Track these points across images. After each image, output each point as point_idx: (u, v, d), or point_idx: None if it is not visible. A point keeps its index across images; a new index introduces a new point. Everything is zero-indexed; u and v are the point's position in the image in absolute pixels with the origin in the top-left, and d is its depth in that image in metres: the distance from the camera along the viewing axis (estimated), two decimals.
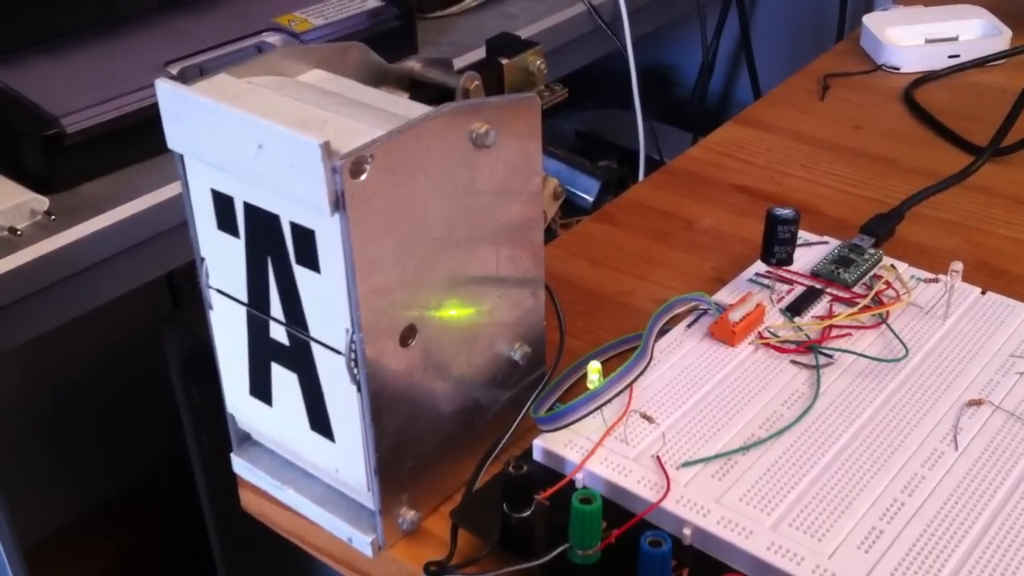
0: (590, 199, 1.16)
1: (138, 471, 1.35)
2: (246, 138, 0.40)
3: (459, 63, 0.54)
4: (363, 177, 0.39)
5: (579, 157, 1.20)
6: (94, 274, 0.72)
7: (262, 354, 0.47)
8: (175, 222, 0.76)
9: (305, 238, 0.41)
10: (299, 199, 0.40)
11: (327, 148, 0.38)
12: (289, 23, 0.87)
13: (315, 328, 0.44)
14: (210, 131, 0.41)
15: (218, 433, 1.06)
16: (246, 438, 0.52)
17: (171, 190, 0.75)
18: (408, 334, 0.43)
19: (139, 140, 0.76)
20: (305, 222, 0.41)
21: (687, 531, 0.44)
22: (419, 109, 0.45)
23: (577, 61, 1.09)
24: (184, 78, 0.78)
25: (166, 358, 1.09)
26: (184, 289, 1.30)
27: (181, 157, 0.45)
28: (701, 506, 0.45)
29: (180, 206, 0.75)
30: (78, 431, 1.29)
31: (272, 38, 0.85)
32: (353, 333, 0.41)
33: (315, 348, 0.44)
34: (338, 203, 0.39)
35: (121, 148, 0.76)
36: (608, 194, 1.16)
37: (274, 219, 0.42)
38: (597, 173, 1.16)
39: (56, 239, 0.69)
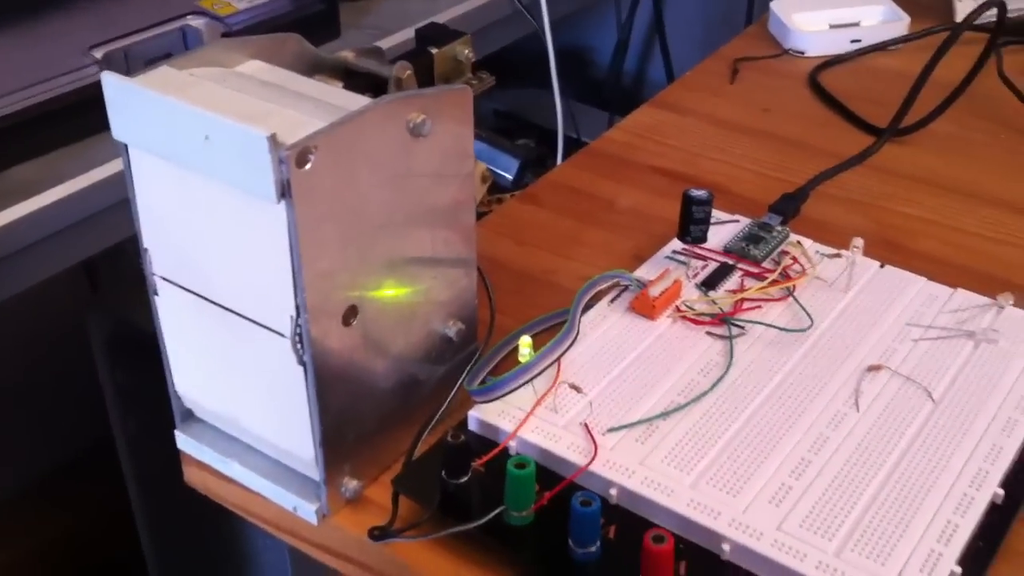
0: (510, 177, 1.18)
1: (62, 455, 1.34)
2: (193, 130, 0.42)
3: (381, 46, 0.56)
4: (308, 167, 0.41)
5: (499, 136, 1.22)
6: (24, 257, 0.72)
7: (208, 337, 0.49)
8: (103, 205, 0.77)
9: (245, 233, 0.43)
10: (245, 188, 0.42)
11: (274, 140, 0.40)
12: (213, 6, 0.87)
13: (260, 311, 0.46)
14: (157, 123, 0.43)
15: (144, 415, 1.07)
16: (188, 415, 0.54)
17: (99, 173, 0.76)
18: (350, 314, 0.46)
19: (66, 123, 0.77)
20: (245, 218, 0.43)
21: (614, 491, 0.47)
22: (356, 100, 0.47)
23: (496, 43, 1.11)
24: (110, 62, 0.79)
25: (88, 341, 1.09)
26: (103, 272, 1.29)
27: (125, 147, 0.46)
28: (626, 468, 0.48)
29: (108, 189, 0.77)
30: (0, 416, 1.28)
31: (196, 22, 0.86)
32: (299, 315, 0.44)
33: (260, 331, 0.46)
34: (284, 191, 0.41)
35: (49, 132, 0.76)
36: (527, 172, 1.19)
37: (220, 207, 0.44)
38: (517, 152, 1.19)
39: None
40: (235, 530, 1.03)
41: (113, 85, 0.44)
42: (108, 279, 1.29)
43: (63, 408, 1.32)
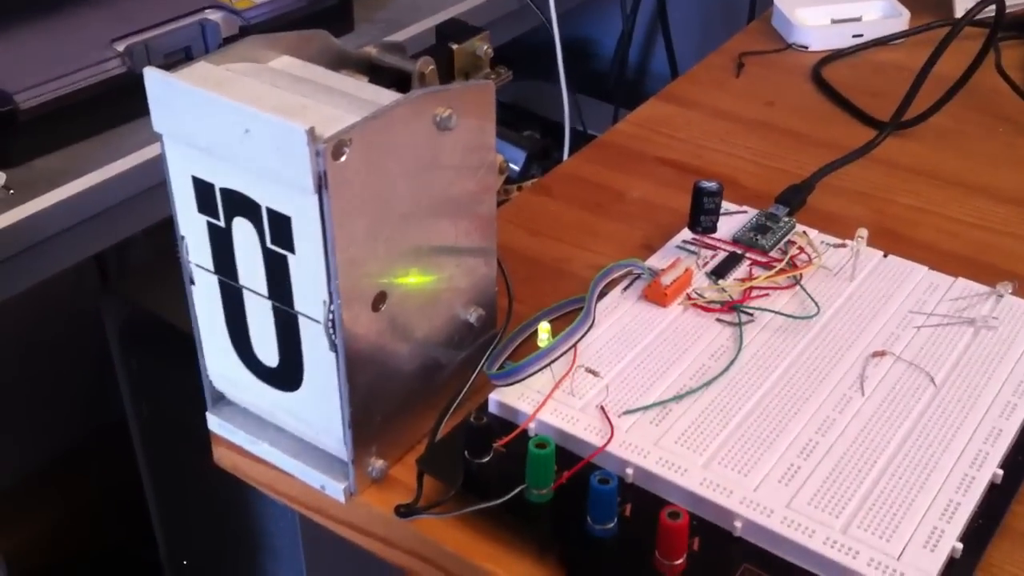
0: (517, 168, 1.20)
1: (75, 438, 1.36)
2: (234, 123, 0.44)
3: (395, 39, 0.58)
4: (343, 159, 0.43)
5: (506, 128, 1.24)
6: (52, 245, 0.74)
7: (241, 324, 0.51)
8: (123, 196, 0.79)
9: (280, 222, 0.45)
10: (283, 179, 0.44)
11: (312, 133, 0.42)
12: (231, 0, 0.89)
13: (293, 299, 0.48)
14: (198, 116, 0.45)
15: (156, 399, 1.08)
16: (219, 398, 0.56)
17: (123, 164, 0.78)
18: (379, 300, 0.48)
19: (91, 115, 0.78)
20: (281, 208, 0.45)
21: (629, 471, 0.50)
22: (385, 94, 0.49)
23: (503, 36, 1.13)
24: (131, 55, 0.81)
25: (103, 327, 1.10)
26: (109, 263, 1.31)
27: (163, 143, 0.48)
28: (641, 448, 0.50)
29: (133, 179, 0.79)
30: (9, 402, 1.30)
31: (214, 15, 0.88)
32: (331, 302, 0.46)
33: (293, 317, 0.48)
34: (321, 183, 0.43)
35: (73, 123, 0.78)
36: (533, 163, 1.21)
37: (252, 204, 0.46)
38: (523, 144, 1.21)
39: (17, 212, 0.71)
40: (246, 513, 1.05)
41: (155, 80, 0.46)
42: (117, 269, 1.31)
43: (63, 398, 1.34)
